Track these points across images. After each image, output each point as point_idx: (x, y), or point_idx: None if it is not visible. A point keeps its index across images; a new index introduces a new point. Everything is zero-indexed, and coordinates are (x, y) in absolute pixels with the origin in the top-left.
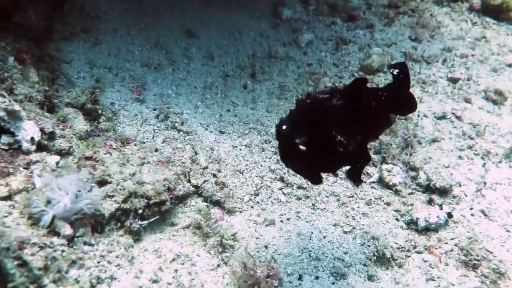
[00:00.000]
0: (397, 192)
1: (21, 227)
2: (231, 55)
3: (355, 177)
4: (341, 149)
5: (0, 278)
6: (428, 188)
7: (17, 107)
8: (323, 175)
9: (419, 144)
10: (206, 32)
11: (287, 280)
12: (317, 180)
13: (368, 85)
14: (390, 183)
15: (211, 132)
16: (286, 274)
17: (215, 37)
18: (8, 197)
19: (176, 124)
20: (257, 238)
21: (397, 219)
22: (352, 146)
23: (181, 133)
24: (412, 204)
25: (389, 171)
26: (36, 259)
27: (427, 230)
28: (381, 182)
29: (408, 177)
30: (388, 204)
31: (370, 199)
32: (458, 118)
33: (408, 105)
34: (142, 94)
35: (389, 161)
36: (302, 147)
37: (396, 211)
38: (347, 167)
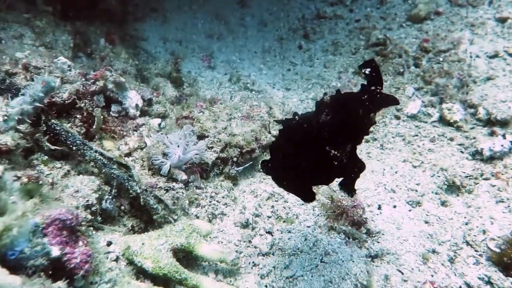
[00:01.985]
0: (458, 128)
1: (145, 176)
2: (282, 20)
3: (349, 188)
4: (336, 163)
5: (142, 213)
6: (489, 122)
7: (122, 79)
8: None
9: (474, 83)
10: (256, 0)
11: (368, 210)
12: (310, 198)
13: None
14: (451, 121)
15: (279, 90)
16: (366, 205)
17: (265, 4)
18: (129, 154)
19: (248, 85)
20: None
21: (461, 152)
22: (346, 158)
23: (253, 92)
24: (474, 138)
25: (449, 110)
26: (166, 198)
27: (492, 158)
28: (442, 121)
29: (467, 114)
30: (451, 139)
31: (434, 137)
32: (511, 55)
33: (389, 100)
34: (211, 62)
35: (447, 101)
36: (298, 166)
37: (460, 145)
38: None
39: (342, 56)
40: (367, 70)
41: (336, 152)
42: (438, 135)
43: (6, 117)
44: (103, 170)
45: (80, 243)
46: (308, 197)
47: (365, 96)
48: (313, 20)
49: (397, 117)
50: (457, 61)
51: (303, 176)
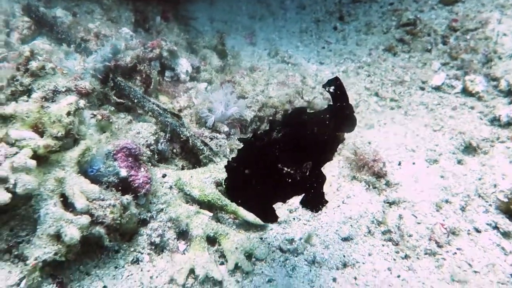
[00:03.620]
0: (480, 98)
1: (193, 128)
2: (319, 3)
3: (312, 204)
4: (289, 180)
5: (191, 156)
6: (509, 93)
7: (175, 47)
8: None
9: (499, 59)
10: None
11: (389, 166)
12: (272, 219)
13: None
14: (473, 91)
15: (313, 64)
16: (387, 161)
17: None
18: (179, 111)
19: (285, 58)
20: (361, 137)
21: (481, 119)
22: (301, 175)
23: (289, 64)
24: (494, 106)
25: (472, 81)
26: (211, 144)
27: (509, 124)
28: (465, 92)
29: (489, 86)
30: (472, 108)
31: (455, 106)
32: None
33: (351, 119)
34: (253, 40)
35: (471, 74)
36: (253, 185)
37: (480, 112)
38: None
39: (374, 35)
40: (331, 88)
41: (289, 170)
42: (459, 104)
43: (84, 70)
44: (159, 119)
45: (142, 169)
46: (269, 217)
47: (325, 115)
48: (349, 4)
49: (422, 88)
50: (483, 39)
51: (260, 195)
